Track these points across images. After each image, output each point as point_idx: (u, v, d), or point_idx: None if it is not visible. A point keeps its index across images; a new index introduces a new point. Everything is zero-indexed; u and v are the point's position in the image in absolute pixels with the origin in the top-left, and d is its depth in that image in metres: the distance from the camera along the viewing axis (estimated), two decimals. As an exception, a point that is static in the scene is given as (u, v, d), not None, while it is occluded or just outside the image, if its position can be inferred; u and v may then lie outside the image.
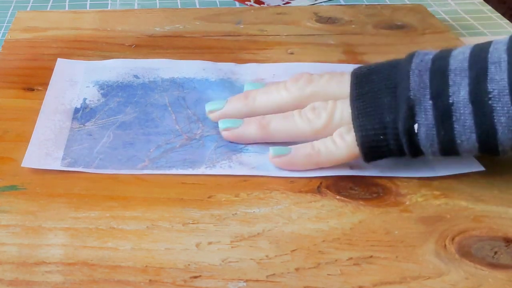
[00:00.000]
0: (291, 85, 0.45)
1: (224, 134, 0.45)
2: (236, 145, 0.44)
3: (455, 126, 0.38)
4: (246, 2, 0.73)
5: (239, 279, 0.34)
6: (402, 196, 0.40)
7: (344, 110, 0.42)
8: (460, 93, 0.38)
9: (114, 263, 0.35)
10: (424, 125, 0.38)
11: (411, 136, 0.39)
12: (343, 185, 0.41)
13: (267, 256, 0.35)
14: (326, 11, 0.66)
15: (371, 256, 0.35)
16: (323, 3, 0.71)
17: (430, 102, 0.38)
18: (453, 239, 0.36)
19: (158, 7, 0.70)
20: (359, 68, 0.43)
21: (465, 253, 0.35)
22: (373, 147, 0.40)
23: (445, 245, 0.36)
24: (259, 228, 0.37)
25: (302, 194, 0.40)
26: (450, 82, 0.38)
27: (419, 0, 0.71)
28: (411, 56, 0.41)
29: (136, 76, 0.53)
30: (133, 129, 0.46)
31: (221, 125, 0.45)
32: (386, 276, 0.34)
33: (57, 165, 0.42)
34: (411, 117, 0.38)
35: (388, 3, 0.71)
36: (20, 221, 0.38)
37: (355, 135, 0.40)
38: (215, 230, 0.37)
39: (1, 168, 0.42)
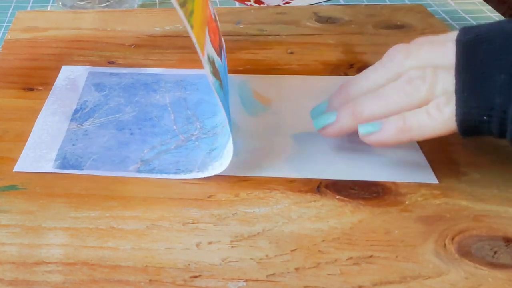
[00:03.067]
0: (388, 61, 0.41)
1: (324, 133, 0.42)
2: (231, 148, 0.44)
3: None
4: (246, 2, 0.73)
5: (239, 279, 0.34)
6: (401, 196, 0.40)
7: (446, 82, 0.37)
8: None
9: (114, 263, 0.35)
10: None
11: None
12: (342, 185, 0.41)
13: (267, 255, 0.35)
14: (326, 11, 0.66)
15: (371, 256, 0.35)
16: (323, 3, 0.71)
17: None
18: (453, 238, 0.36)
19: (158, 7, 0.70)
20: (464, 34, 0.38)
21: (465, 252, 0.35)
22: (473, 126, 0.37)
23: (445, 244, 0.36)
24: (259, 228, 0.37)
25: (301, 193, 0.40)
26: None
27: (419, 0, 0.71)
28: None
29: (139, 79, 0.53)
30: (129, 129, 0.46)
31: (316, 126, 0.42)
32: (386, 275, 0.34)
33: (49, 167, 0.42)
34: None
35: (388, 3, 0.71)
36: (20, 221, 0.38)
37: (456, 110, 0.36)
38: (215, 229, 0.37)
39: (1, 168, 0.42)
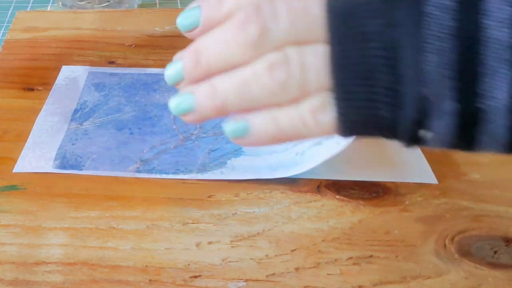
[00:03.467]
0: (238, 34, 0.30)
1: (186, 118, 0.33)
2: (230, 148, 0.44)
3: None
4: (246, 2, 0.72)
5: (239, 279, 0.34)
6: (401, 196, 0.40)
7: (320, 72, 0.28)
8: None
9: (114, 263, 0.35)
10: (440, 133, 0.27)
11: (416, 139, 0.28)
12: (342, 185, 0.41)
13: (267, 255, 0.35)
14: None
15: (371, 256, 0.35)
16: (323, 3, 0.71)
17: (452, 104, 0.25)
18: (452, 238, 0.36)
19: (158, 7, 0.70)
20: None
21: (465, 252, 0.35)
22: (358, 134, 0.29)
23: (445, 244, 0.36)
24: (259, 228, 0.37)
25: (301, 193, 0.40)
26: None
27: (419, 0, 0.71)
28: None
29: (139, 79, 0.53)
30: (129, 128, 0.46)
31: (174, 111, 0.34)
32: (386, 275, 0.34)
33: (49, 167, 0.42)
34: (420, 121, 0.27)
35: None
36: (20, 221, 0.38)
37: (336, 122, 0.29)
38: (215, 229, 0.37)
39: (1, 168, 0.42)
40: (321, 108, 0.29)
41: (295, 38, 0.29)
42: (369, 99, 0.28)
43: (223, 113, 0.32)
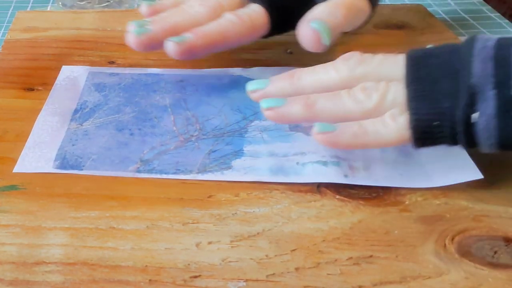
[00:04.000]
0: (341, 64, 0.42)
1: (267, 114, 0.42)
2: (231, 150, 0.44)
3: None
4: (246, 2, 0.72)
5: (239, 279, 0.34)
6: (401, 196, 0.40)
7: (397, 92, 0.39)
8: None
9: (114, 263, 0.35)
10: (484, 115, 0.37)
11: (469, 126, 0.37)
12: (342, 185, 0.41)
13: (267, 255, 0.35)
14: (326, 11, 0.66)
15: (371, 256, 0.35)
16: (323, 3, 0.71)
17: (493, 91, 0.36)
18: (453, 238, 0.36)
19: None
20: (414, 50, 0.41)
21: (465, 252, 0.35)
22: (426, 133, 0.38)
23: (445, 244, 0.36)
24: (259, 228, 0.37)
25: (301, 193, 0.40)
26: None
27: (419, 0, 0.71)
28: (471, 41, 0.39)
29: (139, 80, 0.53)
30: (129, 129, 0.46)
31: (263, 104, 0.42)
32: (386, 275, 0.34)
33: (49, 167, 0.42)
34: (471, 106, 0.37)
35: (388, 3, 0.71)
36: (20, 221, 0.38)
37: (409, 117, 0.38)
38: (215, 229, 0.37)
39: (1, 168, 0.42)
40: (399, 113, 0.39)
41: (383, 72, 0.41)
42: (435, 98, 0.38)
43: (314, 116, 0.41)
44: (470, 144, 0.38)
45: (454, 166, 0.41)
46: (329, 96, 0.41)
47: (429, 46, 0.41)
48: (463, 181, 0.40)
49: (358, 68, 0.42)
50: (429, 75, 0.39)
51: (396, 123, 0.39)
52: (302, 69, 0.44)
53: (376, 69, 0.41)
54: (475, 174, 0.41)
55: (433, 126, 0.38)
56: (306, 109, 0.41)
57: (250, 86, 0.45)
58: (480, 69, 0.37)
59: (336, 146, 0.41)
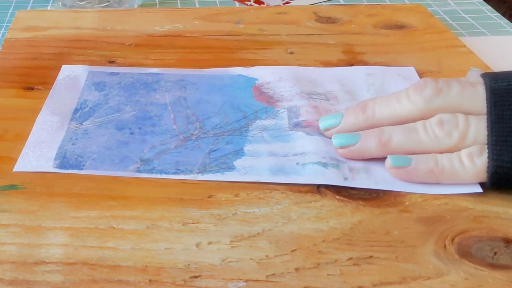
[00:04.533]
0: (416, 95, 0.40)
1: (340, 152, 0.42)
2: (231, 149, 0.44)
3: None
4: (246, 2, 0.73)
5: (239, 279, 0.34)
6: (401, 196, 0.40)
7: (479, 130, 0.38)
8: None
9: (114, 263, 0.35)
10: None
11: None
12: (342, 186, 0.41)
13: (267, 256, 0.35)
14: (326, 11, 0.66)
15: (370, 256, 0.35)
16: (323, 3, 0.71)
17: None
18: (452, 239, 0.37)
19: (158, 7, 0.70)
20: (494, 79, 0.39)
21: (465, 253, 0.35)
22: (505, 180, 0.38)
23: (444, 245, 0.36)
24: (259, 228, 0.37)
25: (301, 194, 0.40)
26: None
27: (419, 0, 0.71)
28: None
29: (139, 79, 0.53)
30: (129, 128, 0.46)
31: (335, 142, 0.42)
32: (386, 276, 0.34)
33: (49, 167, 0.42)
34: None
35: (388, 3, 0.71)
36: (20, 220, 0.38)
37: (488, 163, 0.37)
38: (215, 230, 0.37)
39: (1, 168, 0.42)
40: (478, 153, 0.38)
41: (462, 105, 0.39)
42: None
43: (389, 153, 0.40)
44: None
45: None
46: (404, 131, 0.40)
47: (509, 71, 0.39)
48: (462, 192, 0.40)
49: (435, 100, 0.40)
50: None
51: (474, 165, 0.38)
52: (374, 100, 0.43)
53: (455, 102, 0.39)
54: (474, 188, 0.40)
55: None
56: (381, 147, 0.40)
57: (323, 123, 0.44)
58: None
59: (409, 181, 0.40)
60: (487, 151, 0.38)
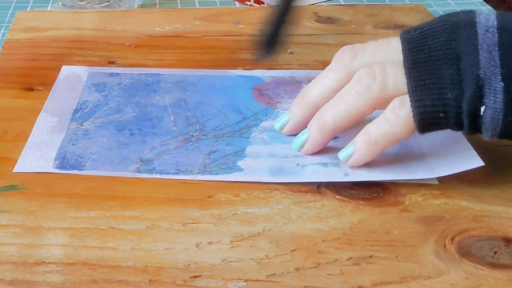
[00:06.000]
0: (336, 64, 0.42)
1: (303, 152, 0.43)
2: (231, 150, 0.44)
3: None
4: (246, 2, 0.73)
5: (239, 279, 0.34)
6: (401, 196, 0.40)
7: (398, 78, 0.39)
8: None
9: (114, 263, 0.35)
10: (491, 108, 0.36)
11: (475, 117, 0.37)
12: (342, 185, 0.41)
13: (267, 256, 0.35)
14: (326, 11, 0.66)
15: (371, 256, 0.35)
16: (323, 3, 0.71)
17: (501, 84, 0.36)
18: (452, 239, 0.36)
19: (158, 7, 0.70)
20: (407, 31, 0.40)
21: (465, 253, 0.35)
22: (431, 124, 0.38)
23: (445, 245, 0.36)
24: (259, 228, 0.37)
25: (301, 193, 0.40)
26: None
27: (419, 0, 0.71)
28: (470, 20, 0.37)
29: (139, 80, 0.53)
30: (129, 129, 0.46)
31: (294, 146, 0.43)
32: (386, 276, 0.34)
33: (49, 167, 0.42)
34: (479, 98, 0.36)
35: (388, 3, 0.71)
36: (20, 221, 0.38)
37: (412, 111, 0.38)
38: (215, 230, 0.37)
39: (1, 168, 0.42)
40: (399, 105, 0.38)
41: (379, 61, 0.40)
42: (439, 88, 0.37)
43: (333, 132, 0.42)
44: (474, 132, 0.38)
45: (456, 156, 0.41)
46: (333, 103, 0.41)
47: (422, 25, 0.40)
48: (465, 169, 0.40)
49: (353, 63, 0.41)
50: (429, 60, 0.37)
51: (398, 118, 0.38)
52: (309, 84, 0.44)
53: (372, 59, 0.40)
54: (477, 161, 0.40)
55: (438, 117, 0.37)
56: (322, 131, 0.42)
57: (275, 125, 0.45)
58: (487, 58, 0.36)
59: (365, 162, 0.41)
60: (408, 100, 0.38)
